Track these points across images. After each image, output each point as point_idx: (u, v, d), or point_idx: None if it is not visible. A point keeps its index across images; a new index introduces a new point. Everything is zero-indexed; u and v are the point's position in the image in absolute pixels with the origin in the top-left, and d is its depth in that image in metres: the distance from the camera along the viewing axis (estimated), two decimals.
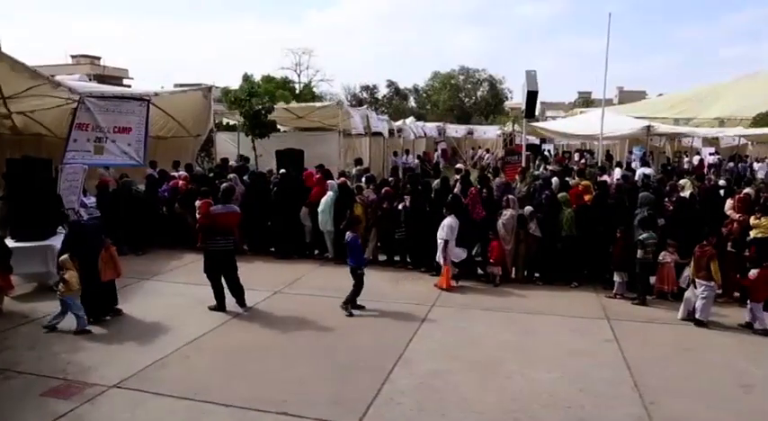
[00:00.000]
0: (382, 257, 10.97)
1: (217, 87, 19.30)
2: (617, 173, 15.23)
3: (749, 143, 28.57)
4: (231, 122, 19.94)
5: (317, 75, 55.36)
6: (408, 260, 10.65)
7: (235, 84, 21.13)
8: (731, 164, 23.78)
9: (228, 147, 18.54)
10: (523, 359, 6.65)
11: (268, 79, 31.49)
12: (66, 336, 7.16)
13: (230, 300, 8.24)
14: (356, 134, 18.63)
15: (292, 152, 15.80)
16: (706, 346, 7.23)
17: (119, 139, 12.25)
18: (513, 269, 9.94)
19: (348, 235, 8.36)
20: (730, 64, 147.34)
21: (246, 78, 22.24)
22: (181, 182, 12.29)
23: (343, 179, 11.69)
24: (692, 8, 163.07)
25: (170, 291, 9.09)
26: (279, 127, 18.15)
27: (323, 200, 10.75)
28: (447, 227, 9.20)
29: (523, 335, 7.41)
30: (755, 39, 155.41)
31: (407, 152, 25.38)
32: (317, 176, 11.59)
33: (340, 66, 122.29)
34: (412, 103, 60.00)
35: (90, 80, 23.30)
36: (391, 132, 23.69)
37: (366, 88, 57.45)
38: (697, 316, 7.86)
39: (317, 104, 20.77)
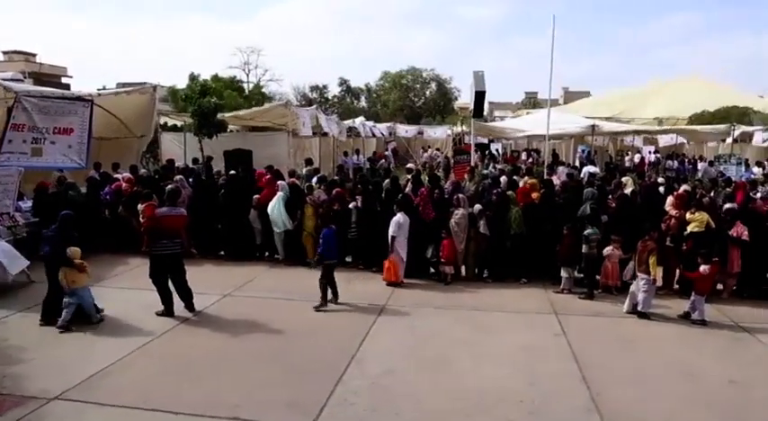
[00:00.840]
0: None
1: (162, 87, 18.79)
2: (561, 171, 15.62)
3: (686, 142, 29.90)
4: (178, 124, 19.44)
5: (266, 74, 54.66)
6: (360, 260, 10.63)
7: (180, 83, 20.63)
8: (669, 161, 24.78)
9: (174, 148, 18.09)
10: (475, 356, 6.73)
11: (216, 79, 30.82)
12: (2, 346, 6.83)
13: (179, 305, 8.03)
14: (305, 135, 18.48)
15: (241, 153, 15.56)
16: (649, 338, 7.52)
17: (59, 141, 11.78)
18: (464, 267, 10.06)
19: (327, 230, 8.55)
20: (666, 65, 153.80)
21: (193, 78, 21.68)
22: (124, 184, 11.89)
23: (292, 180, 11.58)
24: (628, 11, 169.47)
25: (115, 297, 8.74)
26: (230, 127, 17.86)
27: (273, 200, 10.61)
28: (394, 223, 9.31)
29: (475, 332, 7.51)
30: (687, 41, 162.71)
31: (357, 152, 25.33)
32: (267, 177, 11.43)
33: (290, 65, 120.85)
34: (363, 102, 59.84)
35: (25, 78, 22.30)
36: (345, 132, 23.68)
37: (316, 88, 56.92)
38: (639, 308, 8.18)
39: (264, 107, 20.49)
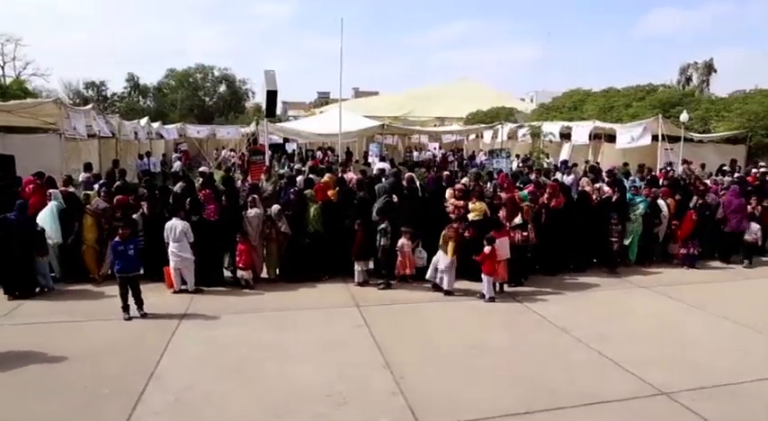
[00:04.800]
0: None
1: None
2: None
3: (464, 138, 33.17)
4: None
5: (28, 68, 48.15)
6: (151, 270, 9.81)
7: None
8: (450, 156, 27.18)
9: None
10: (281, 357, 6.70)
11: None
12: None
13: None
14: (81, 137, 16.62)
15: None
16: (443, 319, 8.20)
17: None
18: (265, 269, 9.94)
19: (119, 242, 7.97)
20: (444, 69, 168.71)
21: None
22: None
23: (68, 188, 10.37)
24: (414, 17, 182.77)
25: None
26: None
27: (43, 212, 9.39)
28: (165, 229, 8.98)
29: (279, 333, 7.46)
30: (462, 47, 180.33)
31: (148, 154, 23.62)
32: (32, 186, 10.08)
33: (60, 59, 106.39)
34: (149, 102, 55.56)
35: None
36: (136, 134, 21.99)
37: (92, 85, 51.42)
38: (444, 287, 9.08)
39: (21, 102, 17.94)
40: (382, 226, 9.45)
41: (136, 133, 23.19)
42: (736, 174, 15.21)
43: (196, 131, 33.94)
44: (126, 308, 7.92)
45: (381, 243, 9.43)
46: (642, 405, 5.64)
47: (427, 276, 9.37)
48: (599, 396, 5.75)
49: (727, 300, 9.30)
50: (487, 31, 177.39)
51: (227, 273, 9.89)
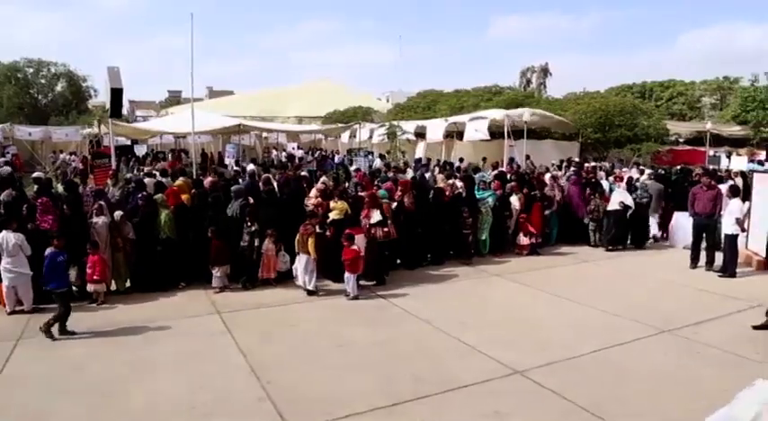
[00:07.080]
0: None
1: None
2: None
3: (323, 138, 33.35)
4: None
5: None
6: None
7: None
8: (308, 156, 27.14)
9: None
10: (138, 373, 6.25)
11: None
12: None
13: None
14: None
15: None
16: (308, 319, 8.17)
17: None
18: (114, 280, 9.20)
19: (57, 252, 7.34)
20: (301, 68, 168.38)
21: None
22: None
23: None
24: (267, 16, 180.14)
25: None
26: None
27: None
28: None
29: (135, 349, 6.96)
30: (320, 48, 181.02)
31: None
32: None
33: None
34: None
35: None
36: None
37: None
38: (308, 287, 9.05)
39: None
40: (253, 228, 9.25)
41: None
42: (572, 168, 16.75)
43: (27, 133, 30.75)
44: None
45: (255, 244, 9.25)
46: (499, 384, 6.01)
47: (298, 282, 9.25)
48: (460, 380, 6.04)
49: (567, 281, 10.23)
50: (346, 32, 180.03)
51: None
